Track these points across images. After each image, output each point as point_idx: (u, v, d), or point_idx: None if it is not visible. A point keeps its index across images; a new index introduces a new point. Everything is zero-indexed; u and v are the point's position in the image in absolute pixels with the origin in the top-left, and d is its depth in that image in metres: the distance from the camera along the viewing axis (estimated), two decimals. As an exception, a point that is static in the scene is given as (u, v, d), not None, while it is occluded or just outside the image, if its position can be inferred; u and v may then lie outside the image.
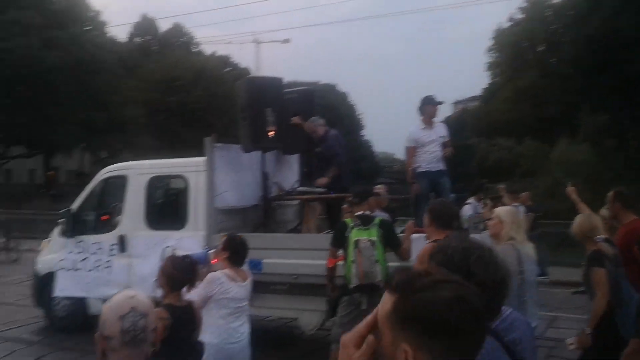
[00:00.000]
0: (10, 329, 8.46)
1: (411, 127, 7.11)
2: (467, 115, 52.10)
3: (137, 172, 7.25)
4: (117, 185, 7.43)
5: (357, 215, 5.15)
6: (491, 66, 42.51)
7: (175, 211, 6.83)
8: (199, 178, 6.58)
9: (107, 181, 7.72)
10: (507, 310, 2.01)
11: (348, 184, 6.71)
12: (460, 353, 1.18)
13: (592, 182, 23.29)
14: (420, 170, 6.79)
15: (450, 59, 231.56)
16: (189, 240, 6.05)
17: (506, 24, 40.74)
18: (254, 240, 6.06)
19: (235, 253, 4.28)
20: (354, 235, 4.96)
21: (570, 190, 8.72)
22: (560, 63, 33.54)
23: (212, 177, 6.39)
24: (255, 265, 5.79)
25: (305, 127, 7.05)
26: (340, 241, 5.13)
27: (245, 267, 4.45)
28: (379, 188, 7.64)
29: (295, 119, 7.09)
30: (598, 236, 4.61)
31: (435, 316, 1.16)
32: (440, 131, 6.99)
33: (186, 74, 44.69)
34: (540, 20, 36.04)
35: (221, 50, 57.04)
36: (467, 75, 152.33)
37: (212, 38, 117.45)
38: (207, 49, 53.43)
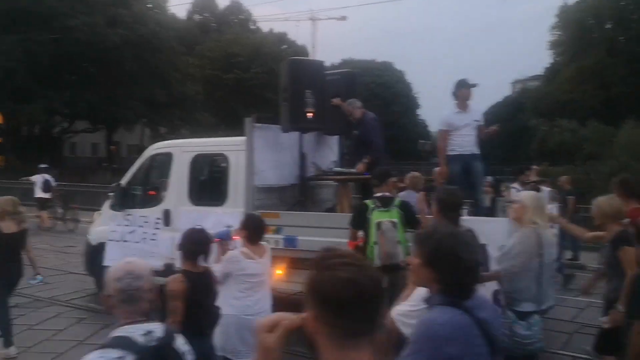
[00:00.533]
0: (78, 297, 8.75)
1: (445, 111, 7.03)
2: (527, 96, 50.50)
3: (182, 150, 7.49)
4: (164, 162, 7.69)
5: (377, 197, 5.21)
6: (554, 45, 40.92)
7: (217, 188, 7.03)
8: (239, 157, 6.72)
9: (154, 158, 8.01)
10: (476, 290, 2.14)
11: (386, 166, 6.63)
12: (345, 330, 1.36)
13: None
14: (453, 153, 6.72)
15: (510, 37, 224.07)
16: (229, 216, 6.20)
17: (572, 1, 39.08)
18: (291, 217, 6.25)
19: (253, 231, 4.52)
20: (375, 217, 5.05)
21: None
22: (628, 42, 31.95)
23: (252, 156, 6.54)
24: (291, 242, 5.92)
25: (343, 109, 7.10)
26: (359, 222, 5.22)
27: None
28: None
29: (336, 101, 7.16)
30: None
31: (327, 293, 1.36)
32: (475, 115, 6.87)
33: (244, 51, 45.24)
34: (609, -4, 34.33)
35: (278, 28, 57.11)
36: (527, 54, 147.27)
37: (269, 16, 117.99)
38: (264, 27, 53.67)
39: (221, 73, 43.81)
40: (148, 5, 37.54)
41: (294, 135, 6.91)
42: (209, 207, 6.87)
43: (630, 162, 21.99)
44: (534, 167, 11.09)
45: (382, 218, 5.03)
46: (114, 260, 7.31)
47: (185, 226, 4.33)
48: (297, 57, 6.96)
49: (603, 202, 4.65)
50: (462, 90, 6.77)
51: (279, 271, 6.14)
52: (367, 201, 5.30)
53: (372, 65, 59.68)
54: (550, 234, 4.09)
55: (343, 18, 70.87)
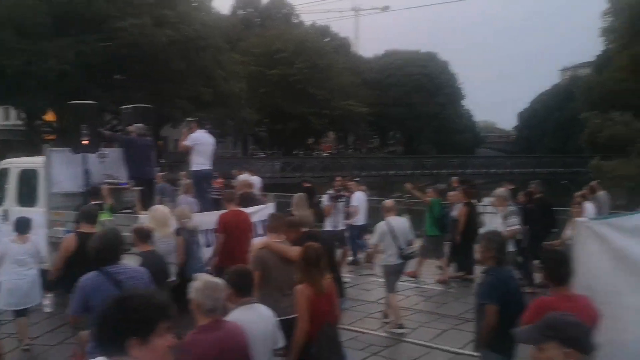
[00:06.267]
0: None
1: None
2: (577, 84, 48.98)
3: (14, 166, 10.26)
4: (5, 174, 10.26)
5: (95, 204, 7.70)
6: (606, 31, 39.50)
7: (32, 194, 9.62)
8: (44, 171, 9.15)
9: (1, 171, 10.49)
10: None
11: (151, 176, 9.88)
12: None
13: None
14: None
15: (559, 23, 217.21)
16: (37, 215, 8.59)
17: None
18: (71, 215, 8.45)
19: (18, 225, 7.05)
20: (101, 216, 7.12)
21: (408, 186, 11.50)
22: (687, 28, 30.61)
23: (49, 171, 9.11)
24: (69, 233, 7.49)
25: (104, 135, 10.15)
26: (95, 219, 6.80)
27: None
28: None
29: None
30: None
31: None
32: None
33: (287, 46, 45.48)
34: (665, -21, 32.89)
35: (320, 21, 57.12)
36: (578, 41, 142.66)
37: (311, 7, 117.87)
38: (307, 19, 53.76)
39: (265, 69, 44.17)
40: (193, 4, 38.08)
41: (82, 155, 9.16)
42: (28, 208, 9.28)
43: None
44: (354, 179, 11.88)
45: (103, 217, 7.23)
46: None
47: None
48: (76, 101, 10.03)
49: None
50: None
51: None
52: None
53: (416, 56, 59.07)
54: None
55: (386, 8, 70.38)
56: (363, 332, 7.57)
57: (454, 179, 12.03)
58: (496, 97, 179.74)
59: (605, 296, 3.91)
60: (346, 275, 10.18)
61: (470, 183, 12.60)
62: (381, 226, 7.72)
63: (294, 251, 4.92)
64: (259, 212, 8.46)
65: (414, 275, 10.24)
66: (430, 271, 10.82)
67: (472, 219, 10.18)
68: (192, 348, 3.21)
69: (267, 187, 15.61)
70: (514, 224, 8.70)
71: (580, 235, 3.85)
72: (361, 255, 11.73)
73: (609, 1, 38.39)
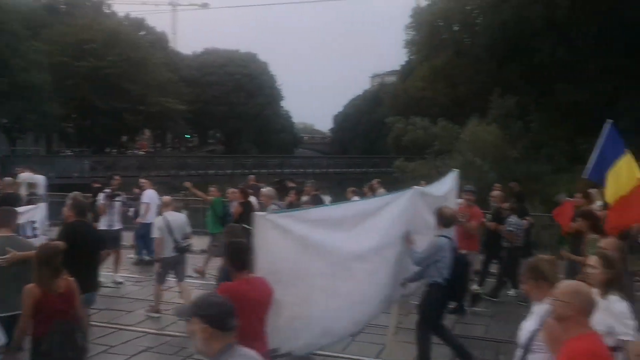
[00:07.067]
0: None
1: None
2: (385, 90, 52.95)
3: None
4: None
5: None
6: (409, 44, 43.16)
7: None
8: None
9: None
10: None
11: None
12: None
13: (499, 161, 24.46)
14: None
15: (371, 32, 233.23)
16: None
17: (424, 2, 41.52)
18: None
19: None
20: None
21: (188, 185, 12.20)
22: (473, 45, 34.58)
23: None
24: None
25: None
26: None
27: None
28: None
29: None
30: None
31: None
32: None
33: (97, 37, 42.43)
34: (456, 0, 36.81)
35: (135, 13, 54.27)
36: (387, 50, 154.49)
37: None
38: (120, 10, 50.69)
39: (72, 60, 40.67)
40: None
41: None
42: None
43: (475, 158, 23.93)
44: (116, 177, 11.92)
45: None
46: None
47: None
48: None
49: None
50: None
51: None
52: None
53: (236, 55, 58.99)
54: None
55: (205, 5, 69.34)
56: (174, 336, 7.41)
57: (251, 177, 12.51)
58: (314, 99, 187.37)
59: (292, 279, 4.39)
60: (129, 276, 10.70)
61: (282, 182, 13.09)
62: (159, 221, 8.29)
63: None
64: (28, 213, 7.69)
65: (201, 272, 10.51)
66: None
67: (244, 218, 10.48)
68: None
69: (74, 187, 14.44)
70: None
71: (260, 227, 4.18)
72: (147, 255, 11.70)
73: (411, 16, 41.99)
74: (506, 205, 9.35)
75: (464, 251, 7.91)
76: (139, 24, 54.19)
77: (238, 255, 4.20)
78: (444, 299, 6.26)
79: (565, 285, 3.23)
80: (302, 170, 46.73)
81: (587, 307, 3.11)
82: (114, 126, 45.54)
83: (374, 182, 12.67)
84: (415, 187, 6.39)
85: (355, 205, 6.18)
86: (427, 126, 28.98)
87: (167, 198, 8.86)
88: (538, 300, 3.74)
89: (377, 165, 44.52)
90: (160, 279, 8.36)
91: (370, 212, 5.40)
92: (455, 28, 38.02)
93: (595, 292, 3.22)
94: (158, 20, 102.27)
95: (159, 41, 55.69)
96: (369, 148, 56.35)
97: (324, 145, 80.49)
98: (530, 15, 24.46)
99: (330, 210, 5.36)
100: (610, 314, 3.92)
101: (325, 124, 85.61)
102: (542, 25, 24.31)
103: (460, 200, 8.74)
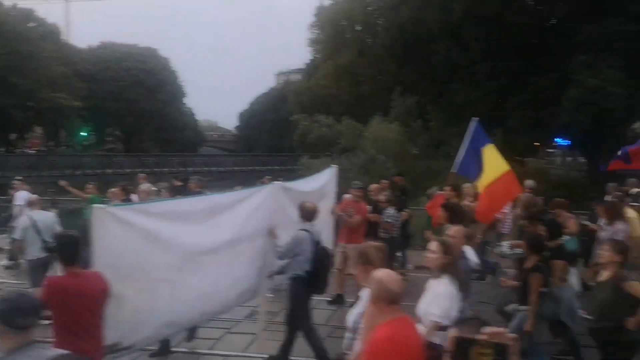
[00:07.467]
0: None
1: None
2: (290, 88, 53.10)
3: None
4: None
5: None
6: (313, 42, 43.56)
7: None
8: None
9: None
10: None
11: None
12: None
13: (400, 158, 25.36)
14: None
15: (276, 30, 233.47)
16: None
17: (327, 2, 42.03)
18: None
19: None
20: None
21: (63, 184, 12.14)
22: (375, 45, 35.51)
23: None
24: None
25: None
26: None
27: None
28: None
29: None
30: None
31: None
32: None
33: (-20, 27, 39.27)
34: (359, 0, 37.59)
35: (23, 3, 50.67)
36: (293, 48, 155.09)
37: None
38: (7, 1, 47.16)
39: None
40: None
41: None
42: None
43: (378, 156, 24.67)
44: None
45: None
46: None
47: None
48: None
49: None
50: None
51: None
52: None
53: (134, 50, 56.66)
54: None
55: (101, -4, 65.79)
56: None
57: (142, 175, 12.33)
58: (218, 96, 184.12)
59: (134, 272, 4.41)
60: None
61: (181, 180, 12.97)
62: (24, 221, 8.04)
63: None
64: None
65: None
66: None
67: None
68: None
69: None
70: None
71: (99, 219, 4.14)
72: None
73: (316, 15, 42.39)
74: (382, 198, 9.66)
75: (350, 245, 8.34)
76: (28, 14, 50.67)
77: (67, 248, 4.11)
78: (307, 292, 6.37)
79: (375, 273, 3.32)
80: (206, 168, 45.90)
81: (387, 295, 3.19)
82: (1, 123, 42.44)
83: (265, 179, 12.67)
84: (276, 182, 6.56)
85: (208, 200, 6.22)
86: (331, 124, 29.49)
87: (33, 197, 8.74)
88: (365, 285, 3.78)
89: (283, 162, 44.64)
90: (36, 282, 7.54)
91: (224, 206, 5.50)
92: (358, 28, 38.89)
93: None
94: (50, 11, 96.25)
95: (51, 34, 52.36)
96: (275, 146, 56.35)
97: (230, 144, 79.41)
98: (426, 17, 25.47)
99: (175, 204, 5.42)
100: (433, 294, 4.20)
101: (230, 122, 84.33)
102: (437, 28, 25.40)
103: (348, 196, 9.03)
